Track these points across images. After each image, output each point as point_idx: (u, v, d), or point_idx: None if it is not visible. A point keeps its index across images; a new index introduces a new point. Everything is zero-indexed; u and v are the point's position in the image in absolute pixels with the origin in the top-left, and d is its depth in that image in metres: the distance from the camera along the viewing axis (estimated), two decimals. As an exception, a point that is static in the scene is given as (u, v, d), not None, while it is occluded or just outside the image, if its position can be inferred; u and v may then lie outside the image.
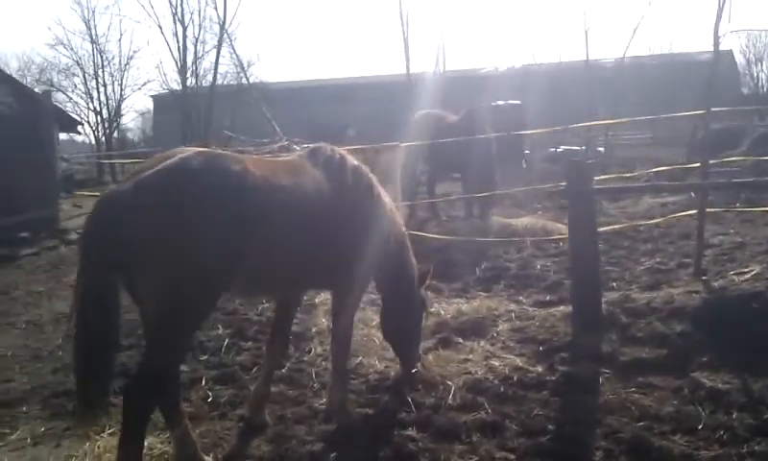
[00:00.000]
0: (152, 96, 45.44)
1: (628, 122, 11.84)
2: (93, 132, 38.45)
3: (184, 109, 35.01)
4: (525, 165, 22.94)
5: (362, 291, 4.89)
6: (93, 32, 37.19)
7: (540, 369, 5.15)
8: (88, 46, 37.44)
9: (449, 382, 4.85)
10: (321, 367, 5.35)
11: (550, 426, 4.20)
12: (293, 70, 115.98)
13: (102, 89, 37.79)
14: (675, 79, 32.92)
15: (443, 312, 6.62)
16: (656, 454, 3.79)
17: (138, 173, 3.33)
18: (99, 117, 37.88)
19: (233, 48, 37.25)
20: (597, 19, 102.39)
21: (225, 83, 37.81)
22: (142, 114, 49.27)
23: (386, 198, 4.86)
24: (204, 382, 5.17)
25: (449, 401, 4.59)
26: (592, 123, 21.49)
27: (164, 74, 48.09)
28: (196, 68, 36.91)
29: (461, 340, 5.85)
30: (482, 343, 5.77)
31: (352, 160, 4.62)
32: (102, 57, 37.53)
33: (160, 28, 42.25)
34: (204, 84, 37.13)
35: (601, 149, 27.97)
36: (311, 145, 4.79)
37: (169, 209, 3.22)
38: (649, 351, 5.28)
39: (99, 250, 3.18)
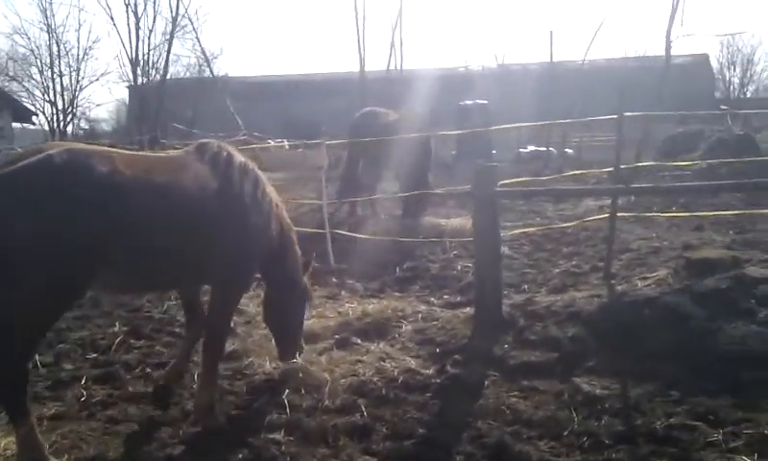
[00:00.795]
0: (127, 87, 44.76)
1: (588, 122, 12.00)
2: (48, 122, 37.74)
3: (140, 102, 34.48)
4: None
5: (243, 288, 4.87)
6: (51, 21, 36.49)
7: (431, 371, 5.10)
8: (45, 36, 36.83)
9: (331, 384, 4.76)
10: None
11: (420, 430, 4.15)
12: (271, 65, 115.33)
13: (58, 79, 37.09)
14: (648, 81, 33.49)
15: (350, 312, 6.54)
16: (515, 459, 3.77)
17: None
18: (54, 108, 37.17)
19: (199, 40, 36.86)
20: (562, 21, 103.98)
21: (187, 75, 37.38)
22: (120, 106, 48.67)
23: (272, 194, 4.87)
24: (83, 381, 5.01)
25: (327, 404, 4.52)
26: (545, 122, 21.77)
27: (123, 65, 47.42)
28: (149, 60, 36.42)
29: (359, 341, 5.76)
30: (381, 344, 5.68)
31: (239, 157, 4.65)
32: (59, 47, 36.86)
33: (112, 19, 41.75)
34: (158, 77, 36.68)
35: (569, 150, 28.24)
36: (201, 141, 4.77)
37: (18, 204, 3.30)
38: (539, 354, 5.23)
39: None
